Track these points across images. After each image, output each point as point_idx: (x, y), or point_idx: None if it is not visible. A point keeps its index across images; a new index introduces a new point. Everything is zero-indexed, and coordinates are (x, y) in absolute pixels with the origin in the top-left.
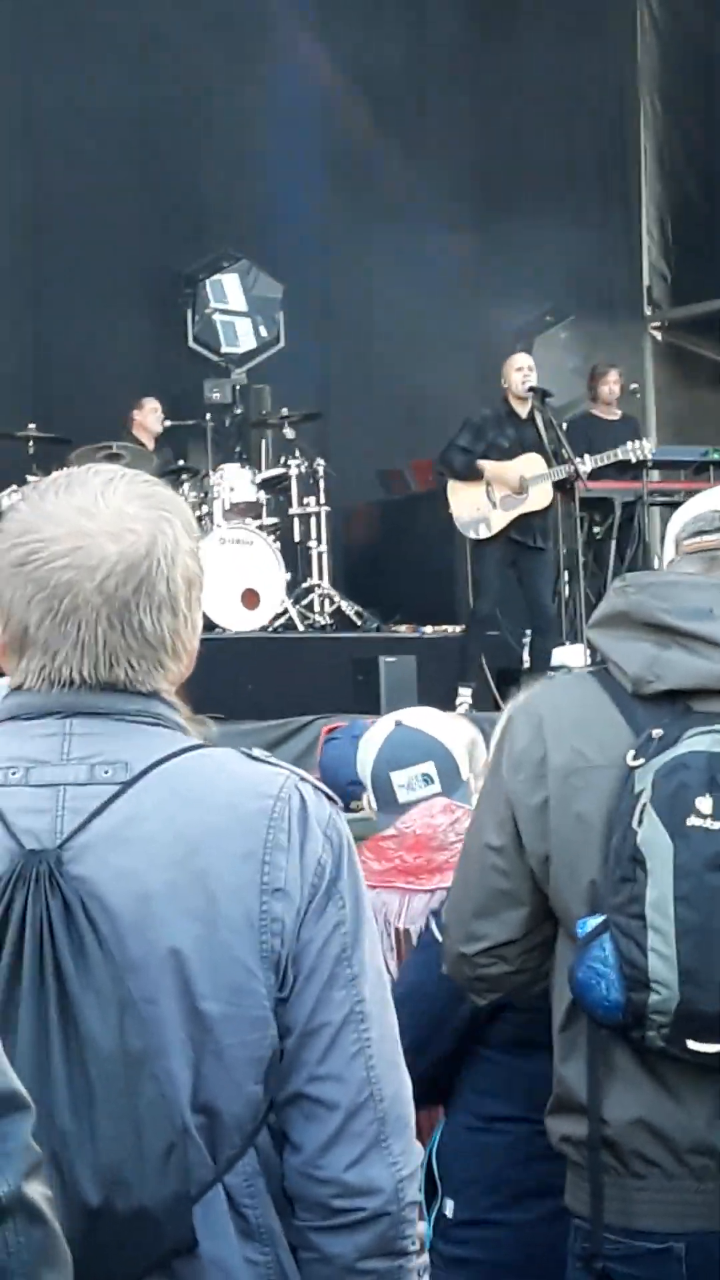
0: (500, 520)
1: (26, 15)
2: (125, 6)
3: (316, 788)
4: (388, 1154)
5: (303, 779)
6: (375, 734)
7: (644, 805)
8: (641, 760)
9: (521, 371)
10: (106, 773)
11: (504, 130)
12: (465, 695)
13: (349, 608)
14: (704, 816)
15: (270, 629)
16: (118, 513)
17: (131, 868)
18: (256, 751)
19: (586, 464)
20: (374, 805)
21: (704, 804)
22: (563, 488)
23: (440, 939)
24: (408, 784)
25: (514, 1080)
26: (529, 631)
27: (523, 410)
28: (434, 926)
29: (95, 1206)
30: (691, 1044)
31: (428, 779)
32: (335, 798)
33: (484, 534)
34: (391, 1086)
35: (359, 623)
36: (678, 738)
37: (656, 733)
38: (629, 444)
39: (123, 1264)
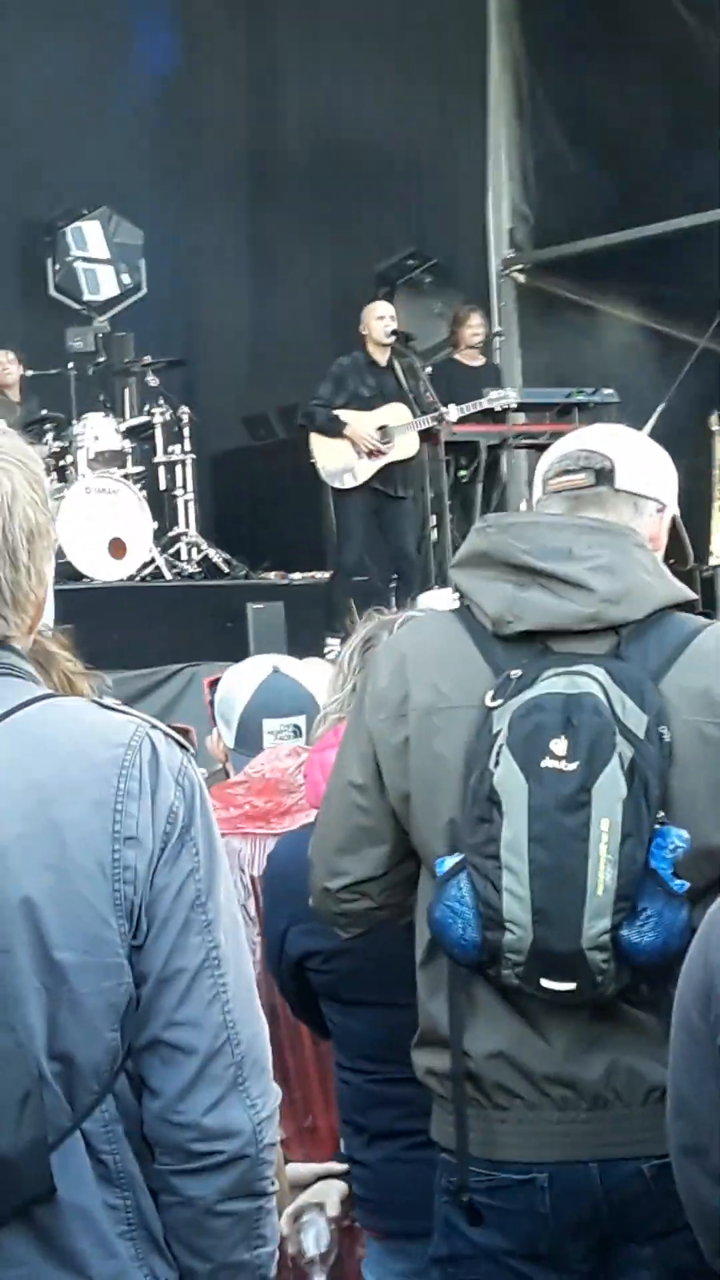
0: (366, 470)
1: None
2: None
3: (168, 735)
4: (246, 1097)
5: (154, 726)
6: (248, 674)
7: (500, 746)
8: (500, 701)
9: (383, 320)
10: None
11: (353, 68)
12: (333, 644)
13: (217, 555)
14: (558, 758)
15: (138, 578)
16: None
17: None
18: (108, 700)
19: (453, 412)
20: (228, 741)
21: (558, 745)
22: (428, 435)
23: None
24: (278, 732)
25: (338, 1033)
26: (395, 577)
27: (382, 358)
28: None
29: None
30: (545, 982)
31: (297, 730)
32: (187, 745)
33: (350, 484)
34: (249, 1030)
35: (227, 570)
36: (535, 678)
37: (515, 673)
38: (494, 393)
39: None
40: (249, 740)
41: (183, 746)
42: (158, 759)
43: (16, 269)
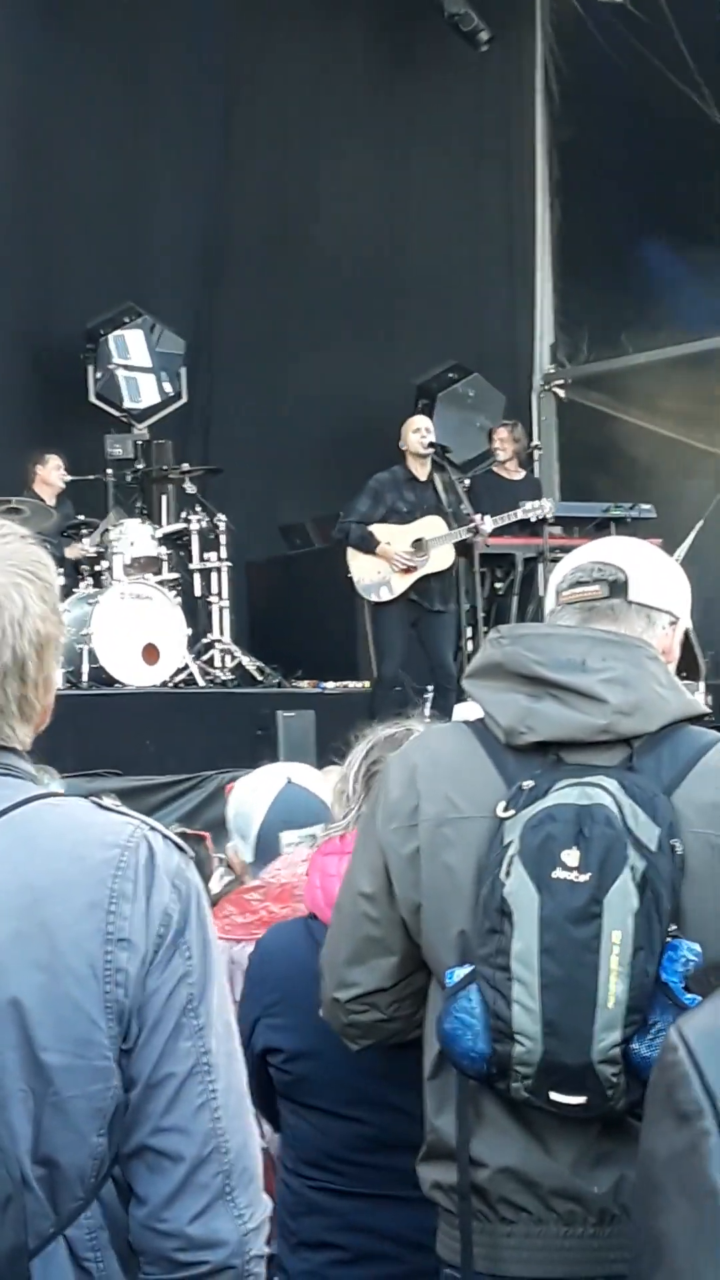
0: (401, 584)
1: None
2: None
3: (167, 837)
4: (233, 1206)
5: (152, 828)
6: (262, 788)
7: (511, 857)
8: (511, 811)
9: (419, 432)
10: None
11: (408, 185)
12: None
13: (250, 663)
14: (569, 869)
15: (171, 684)
16: None
17: None
18: (107, 800)
19: (487, 524)
20: (246, 856)
21: (570, 856)
22: (464, 547)
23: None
24: (295, 844)
25: (289, 1133)
26: (430, 688)
27: (421, 472)
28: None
29: None
30: (554, 1095)
31: (313, 840)
32: (186, 847)
33: (385, 596)
34: (238, 1138)
35: (260, 678)
36: (547, 789)
37: (527, 784)
38: (529, 504)
39: None
40: (267, 854)
41: (181, 849)
42: (154, 861)
43: (58, 376)
